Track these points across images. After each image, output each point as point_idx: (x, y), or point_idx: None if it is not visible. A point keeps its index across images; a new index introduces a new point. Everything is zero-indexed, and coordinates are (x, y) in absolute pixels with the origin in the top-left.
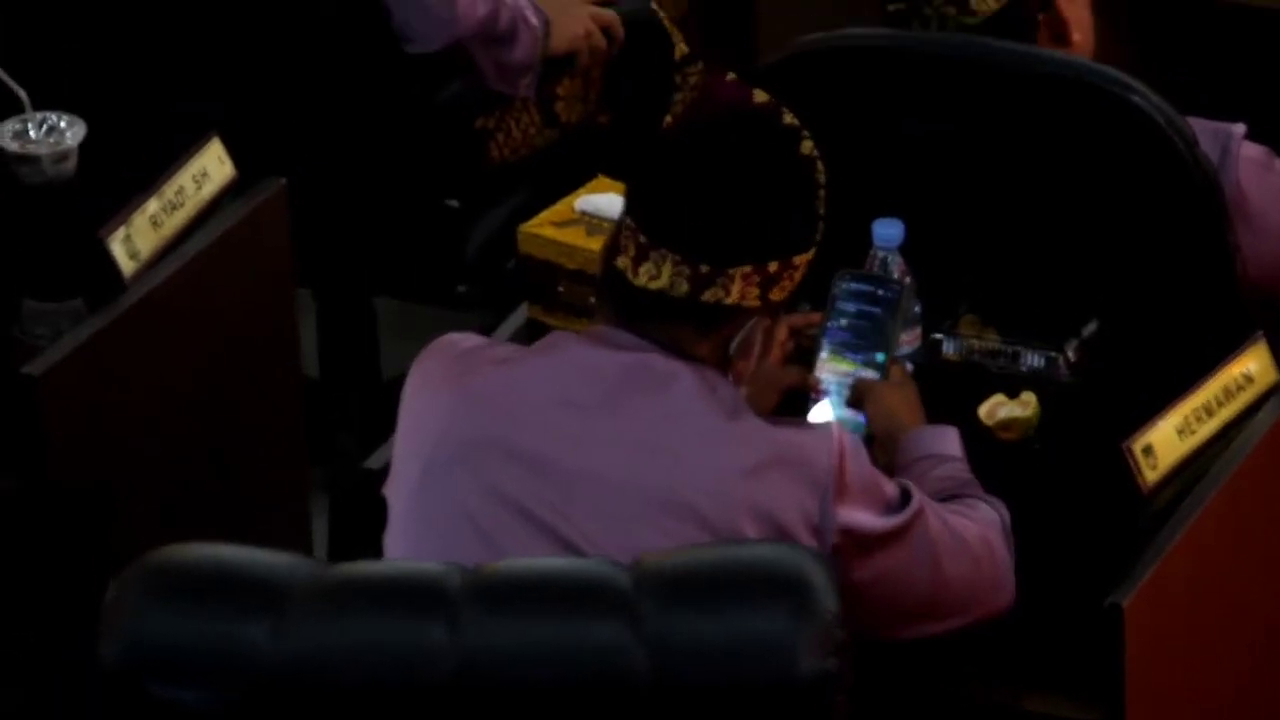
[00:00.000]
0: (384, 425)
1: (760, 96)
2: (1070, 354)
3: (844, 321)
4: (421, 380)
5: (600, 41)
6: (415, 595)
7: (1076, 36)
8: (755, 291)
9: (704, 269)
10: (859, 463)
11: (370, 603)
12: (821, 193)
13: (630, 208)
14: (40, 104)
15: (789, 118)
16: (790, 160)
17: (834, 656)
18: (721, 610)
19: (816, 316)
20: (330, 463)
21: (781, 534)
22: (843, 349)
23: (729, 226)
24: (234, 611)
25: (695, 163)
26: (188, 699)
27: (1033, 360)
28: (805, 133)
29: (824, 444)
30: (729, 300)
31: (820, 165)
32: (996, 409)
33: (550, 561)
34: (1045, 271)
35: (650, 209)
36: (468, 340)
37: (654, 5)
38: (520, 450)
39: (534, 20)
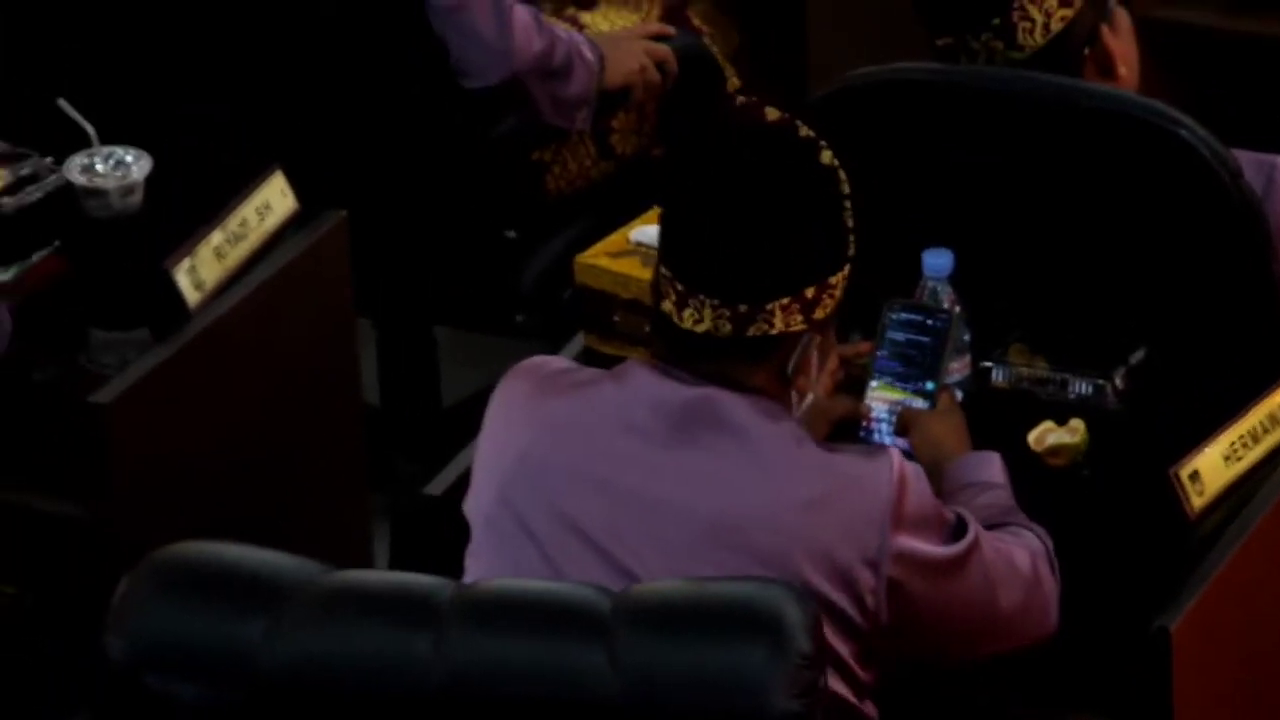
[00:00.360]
0: (444, 452)
1: (773, 113)
2: (1118, 381)
3: (894, 351)
4: (504, 399)
5: (654, 76)
6: (406, 607)
7: (1123, 71)
8: (799, 318)
9: (743, 309)
10: (919, 492)
11: (361, 612)
12: (847, 204)
13: (662, 256)
14: (107, 138)
15: (804, 130)
16: (811, 177)
17: (805, 697)
18: (697, 644)
19: (866, 346)
20: (391, 489)
21: (835, 568)
22: (893, 378)
23: (759, 265)
24: (233, 611)
25: (716, 200)
26: (185, 695)
27: (1081, 388)
28: (822, 143)
29: (884, 473)
30: (774, 331)
31: (842, 175)
32: (1045, 436)
33: (537, 583)
34: (1093, 301)
35: (680, 256)
36: (553, 363)
37: (706, 40)
38: (587, 475)
39: (589, 55)
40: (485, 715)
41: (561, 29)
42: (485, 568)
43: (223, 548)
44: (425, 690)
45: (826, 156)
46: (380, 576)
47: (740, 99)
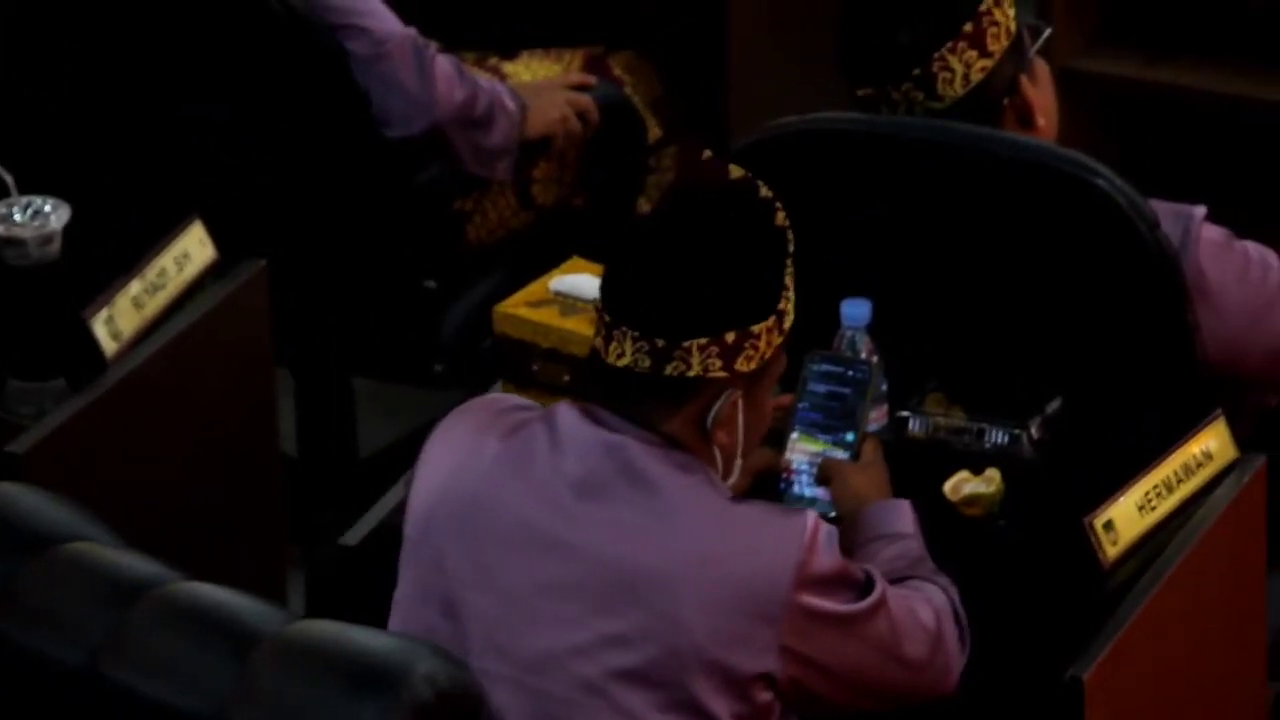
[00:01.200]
0: (361, 502)
1: (737, 171)
2: (1034, 431)
3: (814, 402)
4: (445, 434)
5: (575, 126)
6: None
7: (1041, 121)
8: (718, 363)
9: (660, 343)
10: (828, 554)
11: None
12: (789, 264)
13: (600, 287)
14: (25, 188)
15: (764, 190)
16: (759, 232)
17: None
18: (321, 688)
19: (787, 398)
20: (308, 539)
21: (730, 625)
22: (813, 429)
23: (678, 300)
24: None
25: (655, 240)
26: None
27: (997, 437)
28: (779, 205)
29: (793, 533)
30: (691, 373)
31: (790, 237)
32: (961, 485)
33: (217, 594)
34: (1010, 350)
35: (610, 288)
36: (505, 401)
37: (627, 90)
38: (505, 518)
39: (511, 105)
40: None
41: (483, 79)
42: (401, 599)
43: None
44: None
45: (780, 218)
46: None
47: (707, 154)
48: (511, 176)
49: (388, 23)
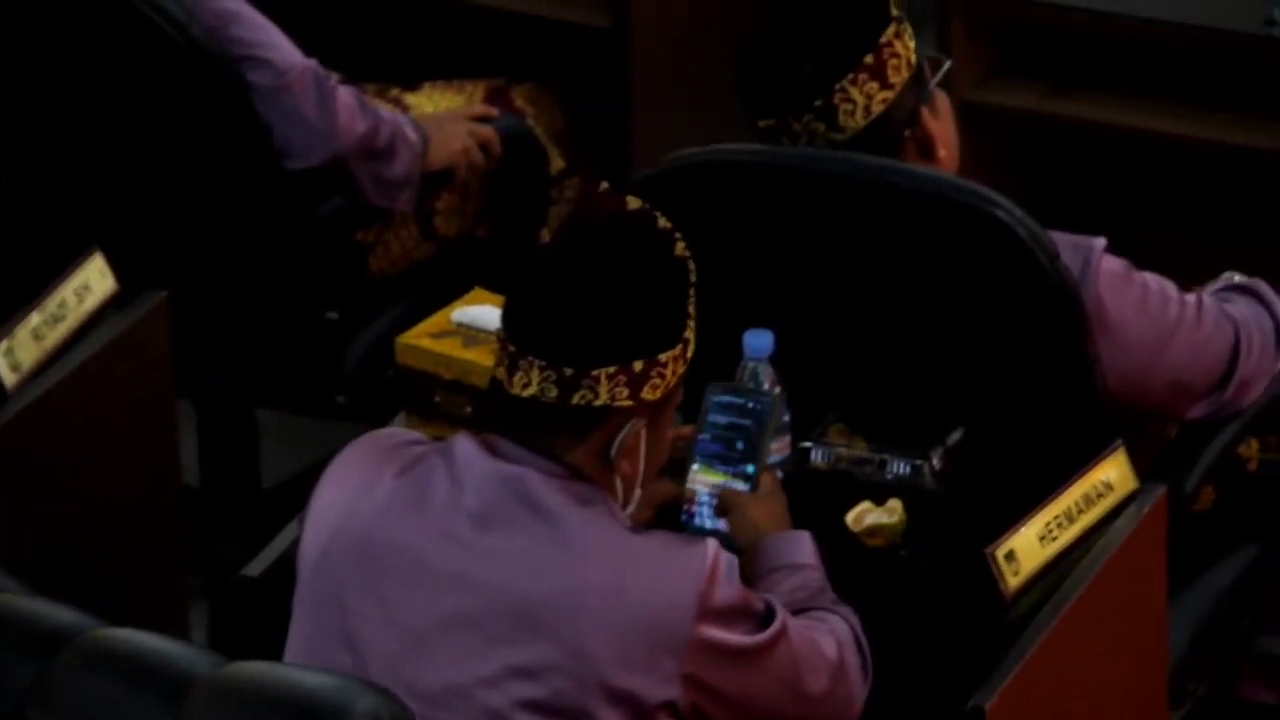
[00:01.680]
0: (264, 533)
1: (634, 203)
2: (936, 462)
3: (715, 434)
4: (340, 469)
5: (478, 157)
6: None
7: (942, 153)
8: (625, 392)
9: (568, 372)
10: (729, 584)
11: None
12: (691, 293)
13: (502, 318)
14: None
15: (662, 222)
16: (660, 261)
17: None
18: None
19: (687, 429)
20: (210, 571)
21: (634, 656)
22: (714, 461)
23: (587, 328)
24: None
25: (559, 270)
26: None
27: (899, 468)
28: (678, 235)
29: (694, 563)
30: (599, 402)
31: (691, 266)
32: (864, 516)
33: (144, 639)
34: (912, 381)
35: (516, 318)
36: (401, 435)
37: (529, 121)
38: (400, 553)
39: (412, 136)
40: None
41: (385, 110)
42: (296, 636)
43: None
44: None
45: (679, 248)
46: (144, 639)
47: (604, 185)
48: (414, 208)
49: (289, 54)
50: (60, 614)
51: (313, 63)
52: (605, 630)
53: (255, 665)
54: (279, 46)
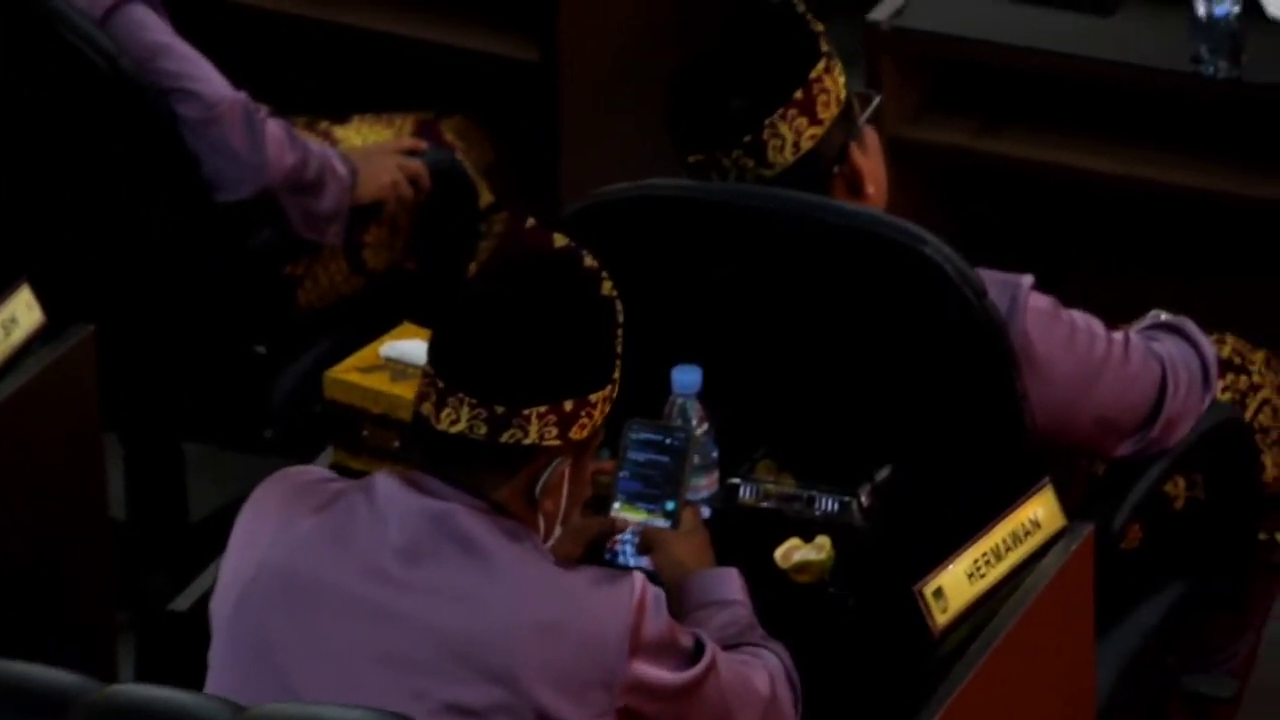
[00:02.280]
0: (192, 567)
1: (560, 240)
2: (864, 498)
3: (634, 471)
4: (256, 506)
5: (407, 191)
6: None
7: (871, 189)
8: (554, 430)
9: (499, 410)
10: (658, 617)
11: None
12: (619, 332)
13: (430, 354)
14: None
15: (589, 260)
16: (587, 301)
17: None
18: None
19: (609, 464)
20: (137, 604)
21: (570, 690)
22: (634, 498)
23: (520, 367)
24: None
25: (488, 306)
26: None
27: (827, 505)
28: (604, 274)
29: (623, 597)
30: (528, 440)
31: (619, 305)
32: (792, 552)
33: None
34: (840, 417)
35: (445, 354)
36: (311, 473)
37: (458, 155)
38: (329, 588)
39: (341, 169)
40: None
41: (314, 143)
42: (220, 675)
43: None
44: None
45: (606, 287)
46: (152, 694)
47: (530, 222)
48: (342, 241)
49: (218, 87)
50: (63, 678)
51: (242, 95)
52: (542, 667)
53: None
54: (208, 79)
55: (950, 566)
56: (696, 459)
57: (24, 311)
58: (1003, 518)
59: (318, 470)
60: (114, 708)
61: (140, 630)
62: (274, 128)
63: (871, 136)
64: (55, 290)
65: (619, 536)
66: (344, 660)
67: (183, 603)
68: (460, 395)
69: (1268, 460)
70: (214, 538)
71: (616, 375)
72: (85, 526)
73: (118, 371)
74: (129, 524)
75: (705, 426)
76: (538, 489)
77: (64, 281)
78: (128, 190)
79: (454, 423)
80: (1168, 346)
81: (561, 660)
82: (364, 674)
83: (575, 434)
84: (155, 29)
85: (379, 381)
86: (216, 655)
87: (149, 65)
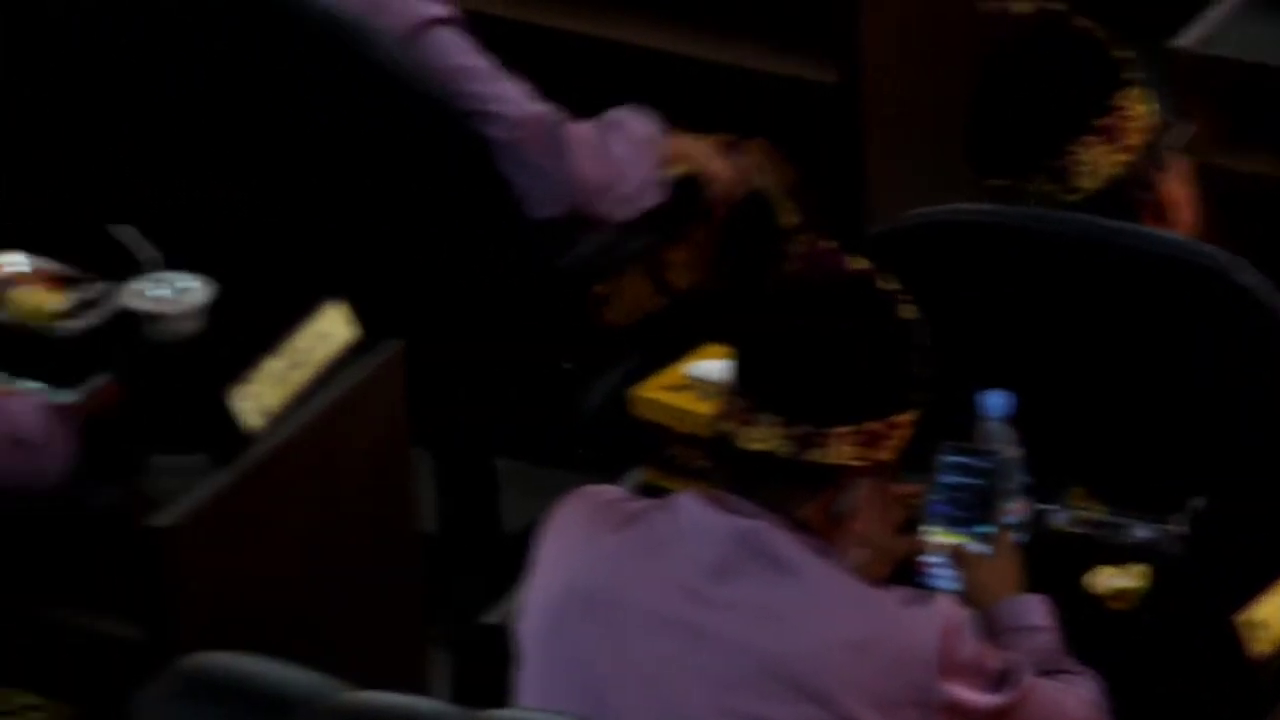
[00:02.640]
0: (504, 580)
1: (857, 263)
2: (1178, 526)
3: (945, 495)
4: (557, 527)
5: (722, 169)
6: None
7: (1179, 217)
8: (858, 452)
9: (804, 430)
10: (968, 639)
11: None
12: (922, 355)
13: (734, 373)
14: (172, 264)
15: (886, 283)
16: (886, 323)
17: None
18: None
19: (916, 488)
20: (449, 617)
21: (885, 707)
22: (946, 521)
23: (825, 388)
24: (245, 718)
25: (792, 327)
26: None
27: (1142, 532)
28: (904, 297)
29: (934, 618)
30: (831, 460)
31: (919, 329)
32: (1106, 579)
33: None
34: (1153, 445)
35: (751, 373)
36: (607, 493)
37: (761, 177)
38: (636, 607)
39: (645, 130)
40: None
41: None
42: (531, 694)
43: (241, 659)
44: None
45: (906, 310)
46: (385, 699)
47: (824, 244)
48: (667, 198)
49: (521, 105)
50: (299, 679)
51: (545, 110)
52: (855, 685)
53: (505, 714)
54: (509, 99)
55: (1270, 596)
56: (1008, 483)
57: (337, 326)
58: None
59: (613, 490)
60: None
61: (452, 643)
62: (581, 133)
63: (1180, 163)
64: (369, 305)
65: (928, 559)
66: (655, 678)
67: (494, 616)
68: (765, 414)
69: None
70: (525, 552)
71: (921, 398)
72: (395, 538)
73: (428, 387)
74: (440, 537)
75: (1015, 451)
76: (840, 509)
77: (378, 296)
78: (439, 208)
79: (758, 441)
80: None
81: (875, 678)
82: (675, 691)
83: (880, 455)
84: (462, 51)
85: (685, 401)
86: (526, 674)
87: (455, 87)
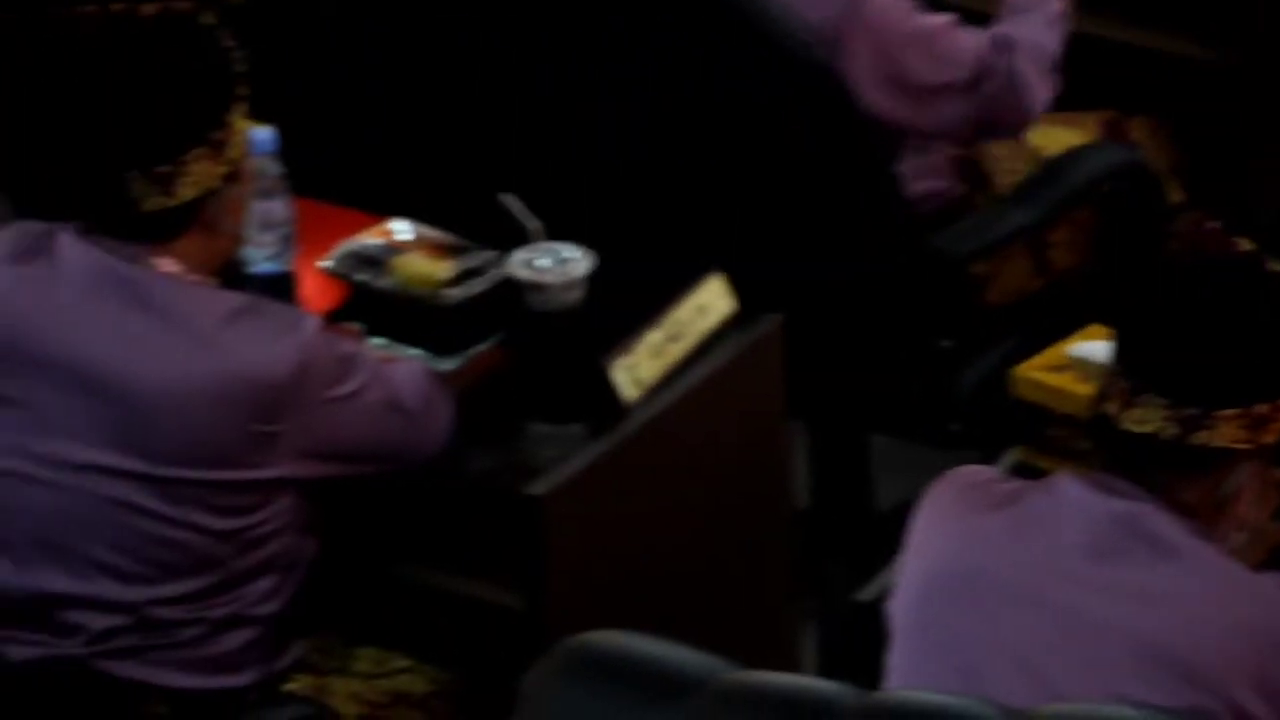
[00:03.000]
0: (876, 558)
1: (1244, 244)
2: None
3: None
4: (931, 507)
5: None
6: (804, 712)
7: None
8: (1244, 434)
9: (1191, 412)
10: None
11: (757, 713)
12: None
13: (1118, 354)
14: (556, 234)
15: (1274, 264)
16: (1275, 304)
17: None
18: None
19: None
20: (820, 593)
21: (1270, 694)
22: None
23: (1214, 370)
24: (634, 700)
25: (1178, 307)
26: None
27: None
28: None
29: None
30: (1217, 443)
31: None
32: None
33: (938, 696)
34: None
35: (1136, 354)
36: (982, 474)
37: (1145, 154)
38: (1014, 587)
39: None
40: None
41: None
42: (903, 674)
43: (630, 638)
44: None
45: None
46: (781, 679)
47: (1209, 224)
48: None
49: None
50: (689, 659)
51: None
52: (1245, 674)
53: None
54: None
55: None
56: None
57: (716, 299)
58: None
59: (987, 470)
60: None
61: (822, 619)
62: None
63: None
64: (747, 279)
65: None
66: (1028, 660)
67: (867, 594)
68: (1150, 395)
69: None
70: (898, 530)
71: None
72: (768, 512)
73: (807, 362)
74: (813, 512)
75: None
76: (1224, 493)
77: (756, 271)
78: (822, 183)
79: (1141, 423)
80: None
81: (1262, 664)
82: (1050, 673)
83: (1266, 438)
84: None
85: (1066, 381)
86: (898, 654)
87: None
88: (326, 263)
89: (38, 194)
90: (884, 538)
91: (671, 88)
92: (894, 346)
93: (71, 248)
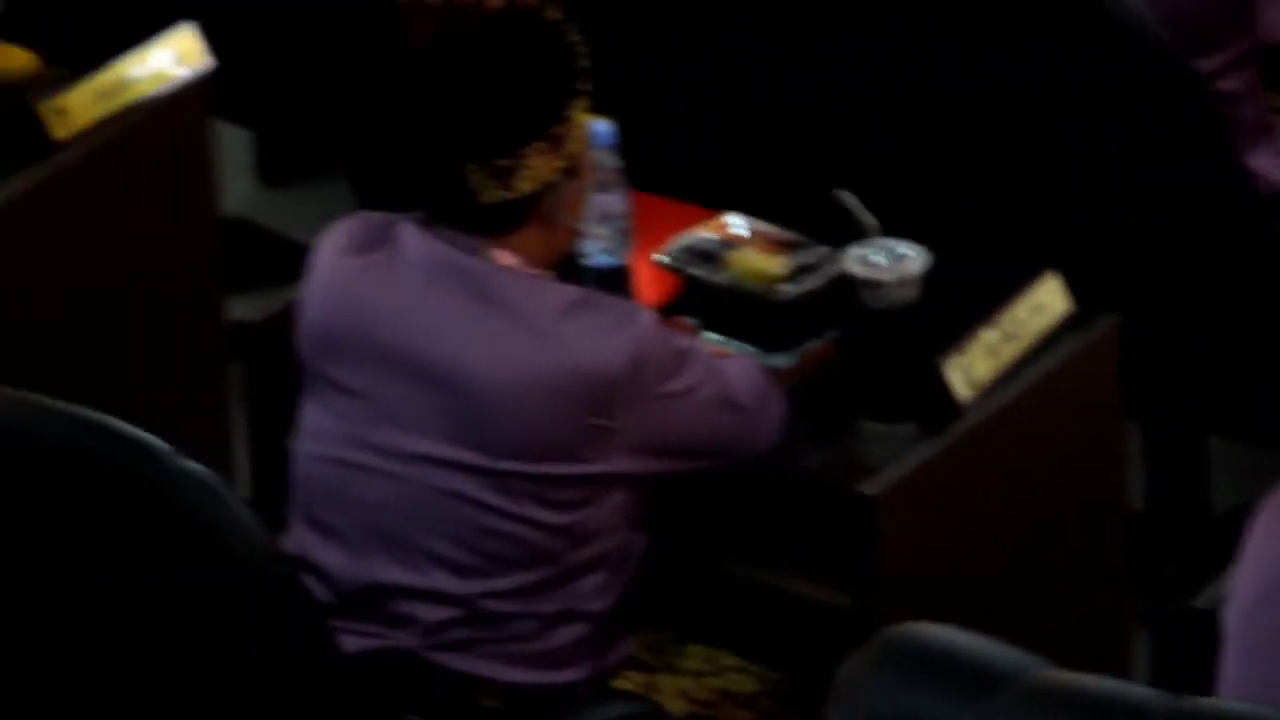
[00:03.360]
0: (1213, 562)
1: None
2: None
3: None
4: (1270, 513)
5: None
6: (1112, 715)
7: None
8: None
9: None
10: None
11: (1067, 713)
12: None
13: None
14: (892, 231)
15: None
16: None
17: None
18: None
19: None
20: (1154, 596)
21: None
22: None
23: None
24: (946, 693)
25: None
26: None
27: None
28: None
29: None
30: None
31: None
32: None
33: (1248, 709)
34: None
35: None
36: None
37: None
38: None
39: None
40: None
41: None
42: (1233, 683)
43: (945, 631)
44: None
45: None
46: (1093, 681)
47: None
48: None
49: None
50: (1003, 655)
51: None
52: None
53: (1208, 703)
54: None
55: None
56: None
57: (1052, 299)
58: None
59: None
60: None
61: (1156, 625)
62: None
63: None
64: (1084, 278)
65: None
66: None
67: (1203, 600)
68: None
69: None
70: (1235, 535)
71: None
72: (1102, 516)
73: (1142, 361)
74: (1147, 515)
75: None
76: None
77: (1093, 270)
78: (1162, 179)
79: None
80: None
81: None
82: None
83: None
84: None
85: None
86: (1229, 662)
87: None
88: (662, 257)
89: (381, 184)
90: (1220, 543)
91: (1016, 86)
92: (1236, 346)
93: (413, 238)
